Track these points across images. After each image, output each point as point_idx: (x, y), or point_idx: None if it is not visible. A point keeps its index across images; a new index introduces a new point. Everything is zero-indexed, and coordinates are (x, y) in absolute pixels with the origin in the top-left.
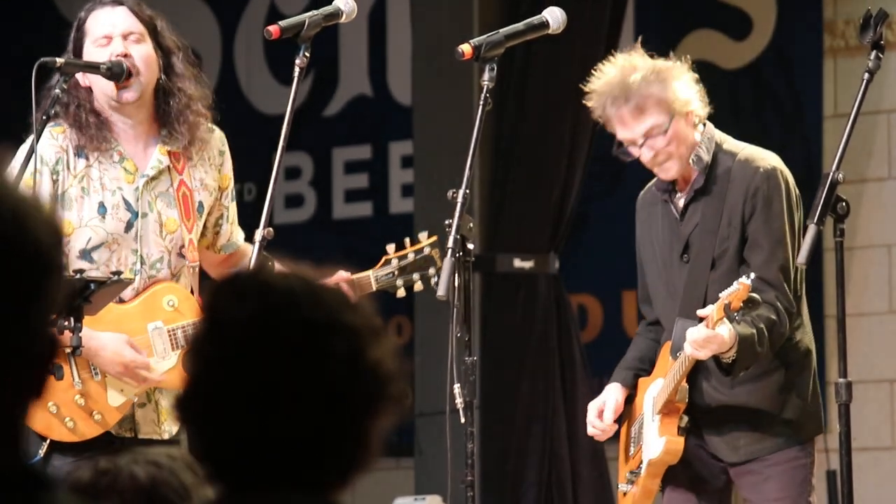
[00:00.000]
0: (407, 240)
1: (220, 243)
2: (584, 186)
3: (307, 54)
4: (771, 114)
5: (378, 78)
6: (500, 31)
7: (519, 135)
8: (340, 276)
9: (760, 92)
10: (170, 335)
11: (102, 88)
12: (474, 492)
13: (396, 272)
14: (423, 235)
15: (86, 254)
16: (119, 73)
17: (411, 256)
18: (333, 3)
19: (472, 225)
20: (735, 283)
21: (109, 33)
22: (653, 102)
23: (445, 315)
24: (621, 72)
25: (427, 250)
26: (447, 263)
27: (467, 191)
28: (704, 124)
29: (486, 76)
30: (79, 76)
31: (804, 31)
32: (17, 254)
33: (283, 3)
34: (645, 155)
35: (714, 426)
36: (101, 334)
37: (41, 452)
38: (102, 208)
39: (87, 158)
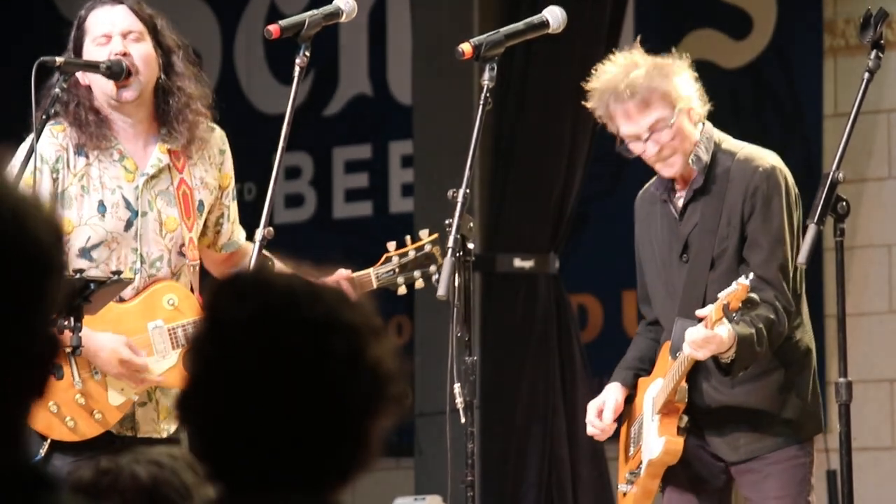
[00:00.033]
0: (408, 237)
1: (221, 242)
2: (584, 186)
3: (307, 54)
4: (771, 113)
5: (378, 77)
6: (501, 30)
7: (519, 134)
8: (341, 274)
9: (760, 91)
10: (170, 334)
11: (102, 87)
12: (474, 492)
13: (397, 269)
14: (423, 233)
15: (85, 252)
16: (118, 73)
17: (412, 254)
18: (333, 2)
19: (472, 225)
20: (734, 283)
21: (109, 32)
22: (657, 96)
23: (445, 315)
24: (624, 68)
25: (428, 247)
26: (447, 263)
27: (467, 190)
28: (703, 124)
29: (486, 76)
30: (78, 75)
31: (804, 30)
32: (17, 253)
33: (283, 2)
34: (650, 150)
35: (714, 426)
36: (98, 335)
37: (42, 452)
38: (102, 207)
39: (87, 157)
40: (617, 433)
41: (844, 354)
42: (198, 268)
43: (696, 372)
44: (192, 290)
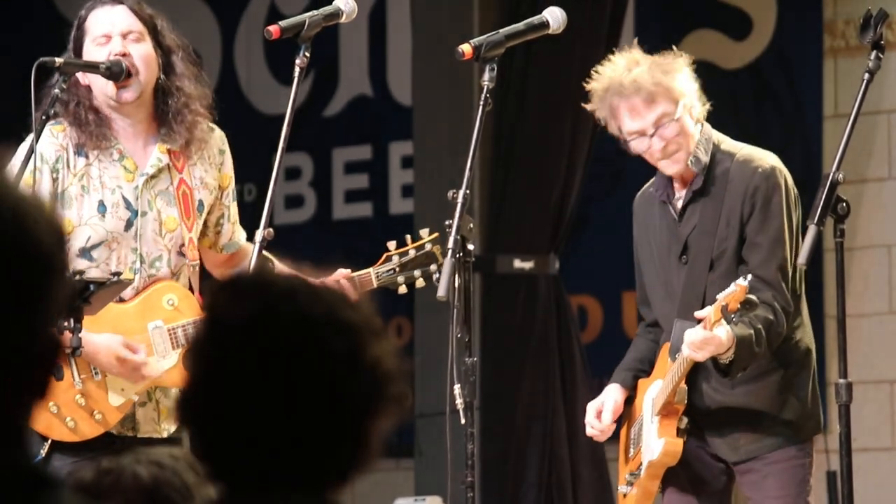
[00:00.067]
0: (408, 237)
1: (221, 243)
2: (584, 187)
3: (307, 54)
4: (771, 114)
5: (378, 78)
6: (501, 31)
7: (519, 135)
8: (341, 274)
9: (760, 92)
10: (170, 334)
11: (101, 88)
12: (474, 493)
13: (398, 269)
14: (424, 232)
15: (85, 252)
16: (118, 73)
17: (412, 253)
18: (334, 3)
19: (472, 225)
20: (732, 284)
21: (109, 32)
22: (661, 90)
23: (445, 316)
24: (625, 65)
25: (428, 246)
26: (447, 264)
27: (467, 191)
28: (702, 124)
29: (486, 76)
30: (78, 74)
31: (804, 31)
32: (17, 254)
33: (283, 3)
34: (655, 145)
35: (714, 426)
36: (95, 337)
37: (42, 453)
38: (102, 207)
39: (87, 157)
40: (617, 434)
41: (844, 355)
42: (197, 268)
43: (695, 373)
44: (191, 289)
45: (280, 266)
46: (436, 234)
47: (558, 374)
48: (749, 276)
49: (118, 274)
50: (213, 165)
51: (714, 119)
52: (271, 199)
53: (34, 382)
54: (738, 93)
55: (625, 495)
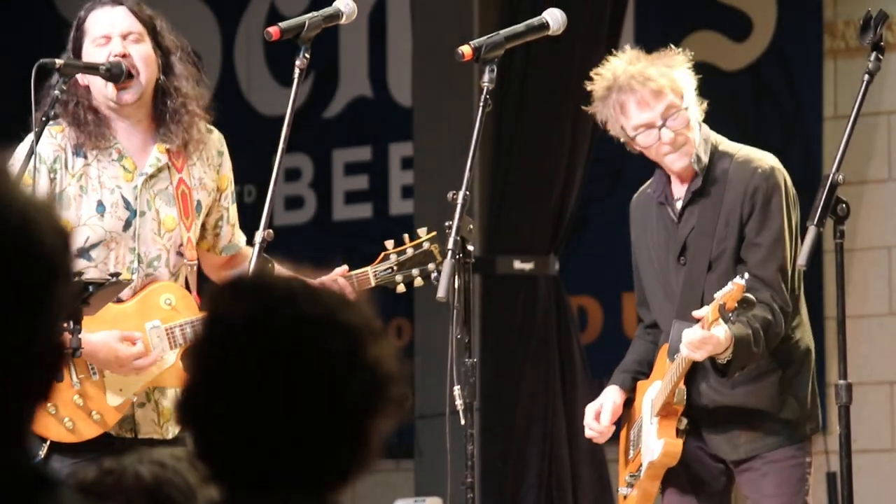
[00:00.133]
0: (406, 236)
1: (220, 245)
2: (584, 188)
3: (307, 55)
4: (771, 115)
5: (378, 79)
6: (501, 32)
7: (519, 136)
8: (339, 272)
9: (760, 93)
10: (167, 334)
11: (101, 89)
12: (474, 493)
13: (396, 268)
14: (422, 231)
15: (83, 252)
16: (118, 75)
17: (410, 252)
18: (334, 4)
19: (472, 226)
20: (729, 283)
21: (108, 33)
22: (667, 82)
23: (445, 317)
24: (628, 61)
25: (426, 245)
26: (447, 265)
27: (467, 192)
28: (700, 125)
29: (486, 77)
30: (77, 75)
31: (804, 32)
32: (24, 258)
33: (283, 4)
34: (665, 136)
35: (714, 426)
36: (92, 337)
37: (41, 454)
38: (101, 207)
39: (86, 157)
40: (616, 436)
41: (844, 356)
42: (195, 268)
43: (695, 373)
44: (189, 289)
45: (280, 269)
46: (433, 234)
47: (558, 375)
48: (746, 275)
49: (117, 275)
50: (211, 167)
51: (714, 120)
52: (271, 200)
53: (37, 385)
54: (737, 94)
55: (625, 497)
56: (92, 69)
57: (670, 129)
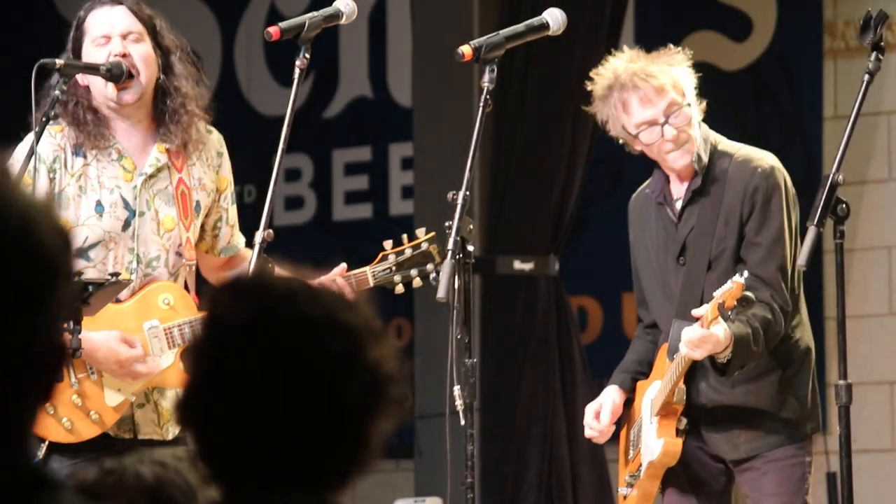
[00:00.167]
0: (405, 236)
1: (219, 246)
2: (584, 188)
3: (307, 56)
4: (771, 115)
5: (378, 79)
6: (501, 32)
7: (519, 136)
8: (337, 272)
9: (760, 93)
10: (166, 333)
11: (101, 90)
12: (474, 494)
13: (394, 268)
14: (420, 231)
15: (82, 252)
16: (119, 75)
17: (409, 252)
18: (334, 4)
19: (472, 227)
20: (729, 281)
21: (108, 33)
22: (668, 80)
23: (445, 317)
24: (629, 59)
25: (425, 246)
26: (447, 265)
27: (467, 192)
28: (700, 125)
29: (486, 78)
30: (78, 75)
31: (804, 32)
32: (24, 258)
33: (283, 4)
34: (668, 133)
35: (714, 425)
36: (93, 335)
37: (40, 454)
38: (100, 207)
39: (85, 157)
40: (616, 435)
41: (844, 356)
42: (194, 268)
43: (695, 372)
44: (188, 290)
45: (279, 270)
46: (432, 234)
47: (558, 375)
48: (745, 273)
49: (116, 274)
50: (210, 167)
51: (714, 120)
52: (271, 200)
53: (38, 385)
54: (737, 94)
55: (625, 497)
56: (92, 70)
57: (673, 127)
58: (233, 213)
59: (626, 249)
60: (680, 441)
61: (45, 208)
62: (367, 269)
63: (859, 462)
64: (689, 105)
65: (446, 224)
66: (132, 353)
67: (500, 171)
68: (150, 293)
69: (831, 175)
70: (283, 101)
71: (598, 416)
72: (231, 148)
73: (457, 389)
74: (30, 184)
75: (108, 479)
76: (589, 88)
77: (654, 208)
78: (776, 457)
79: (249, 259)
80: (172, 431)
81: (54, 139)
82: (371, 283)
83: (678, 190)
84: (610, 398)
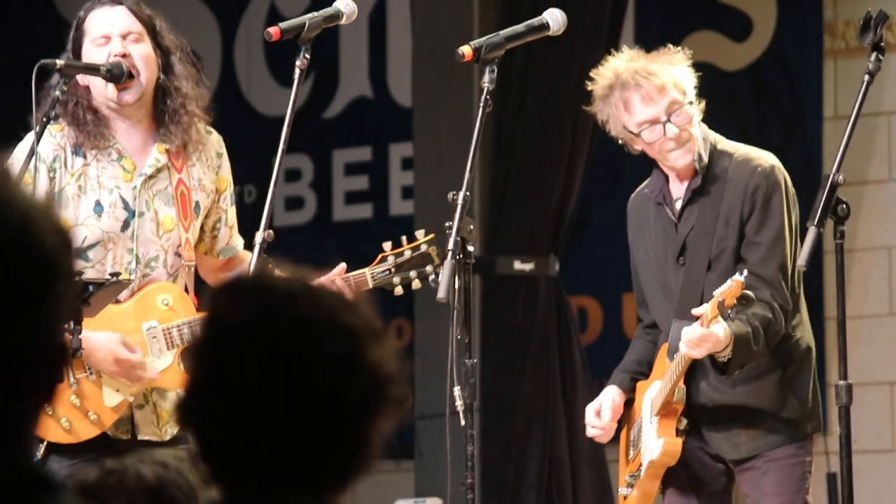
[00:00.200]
0: (404, 238)
1: (217, 248)
2: (584, 188)
3: (307, 56)
4: (771, 115)
5: (378, 79)
6: (501, 32)
7: (519, 137)
8: (336, 273)
9: (760, 93)
10: (165, 334)
11: (101, 90)
12: (474, 494)
13: (393, 269)
14: (420, 233)
15: (81, 252)
16: (119, 75)
17: (408, 254)
18: (334, 4)
19: (472, 227)
20: (728, 280)
21: (108, 33)
22: (669, 78)
23: (445, 317)
24: (628, 59)
25: (424, 247)
26: (447, 265)
27: (468, 193)
28: (699, 125)
29: (486, 78)
30: (78, 75)
31: (804, 32)
32: (24, 258)
33: (283, 4)
34: (670, 131)
35: (715, 425)
36: (93, 334)
37: (38, 455)
38: (99, 207)
39: (85, 156)
40: (617, 436)
41: (844, 357)
42: (193, 269)
43: (695, 372)
44: (187, 290)
45: (279, 270)
46: (431, 235)
47: (558, 376)
48: (745, 272)
49: (117, 275)
50: (210, 168)
51: (714, 120)
52: (271, 200)
53: (40, 386)
54: (737, 94)
55: (625, 497)
56: (93, 70)
57: (675, 125)
58: (232, 214)
59: (627, 250)
60: (680, 441)
61: (45, 208)
62: (366, 270)
63: (859, 463)
64: (690, 104)
65: (446, 224)
66: (131, 357)
67: (501, 171)
68: (149, 294)
69: (831, 175)
70: (283, 101)
71: (599, 414)
72: (231, 148)
73: (457, 390)
74: (30, 184)
75: (110, 479)
76: (589, 88)
77: (653, 208)
78: (777, 456)
79: (248, 261)
80: (171, 432)
81: (54, 138)
82: (370, 285)
83: (677, 190)
84: (609, 397)
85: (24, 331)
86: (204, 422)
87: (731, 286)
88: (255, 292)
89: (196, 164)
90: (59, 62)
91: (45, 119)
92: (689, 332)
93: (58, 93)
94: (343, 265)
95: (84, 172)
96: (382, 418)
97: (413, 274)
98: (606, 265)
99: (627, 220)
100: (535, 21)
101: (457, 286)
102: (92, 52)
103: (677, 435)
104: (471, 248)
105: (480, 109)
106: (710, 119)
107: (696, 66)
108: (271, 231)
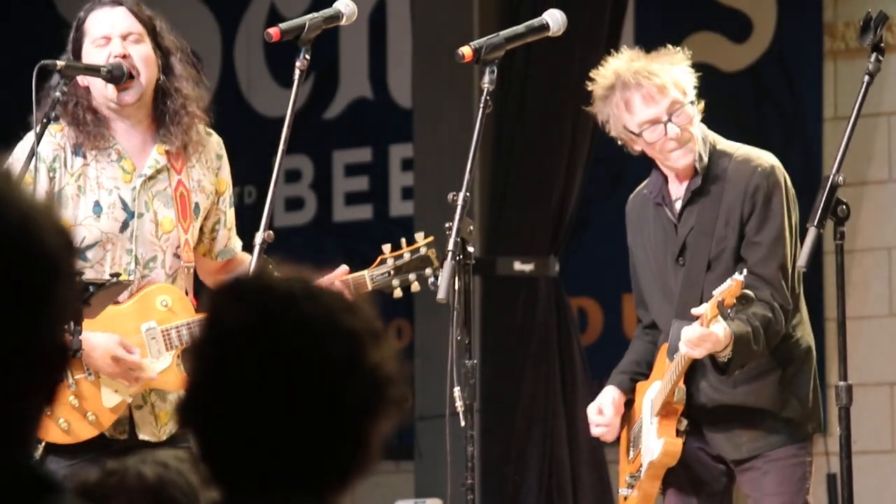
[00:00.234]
0: (403, 240)
1: (216, 249)
2: (584, 189)
3: (307, 57)
4: (771, 116)
5: (378, 80)
6: (501, 33)
7: (519, 137)
8: (335, 275)
9: (760, 94)
10: (164, 335)
11: (101, 90)
12: (474, 495)
13: (392, 272)
14: (419, 236)
15: (80, 253)
16: (119, 76)
17: (407, 256)
18: (334, 5)
19: (472, 228)
20: (728, 279)
21: (108, 34)
22: (670, 79)
23: (445, 318)
24: (629, 59)
25: (423, 250)
26: (447, 266)
27: (468, 194)
28: (698, 125)
29: (486, 79)
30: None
31: (804, 33)
32: (24, 258)
33: (283, 5)
34: (671, 131)
35: (715, 425)
36: (92, 335)
37: (37, 455)
38: (98, 207)
39: (85, 157)
40: (617, 436)
41: (844, 358)
42: (192, 270)
43: (695, 372)
44: (186, 292)
45: (279, 271)
46: (431, 238)
47: (558, 377)
48: (745, 271)
49: (117, 275)
50: (210, 170)
51: (714, 120)
52: (271, 201)
53: (41, 386)
54: (738, 95)
55: (625, 497)
56: (93, 71)
57: (676, 125)
58: (231, 216)
59: (626, 250)
60: (680, 441)
61: (46, 208)
62: (365, 272)
63: (859, 463)
64: (690, 104)
65: (446, 225)
66: (130, 358)
67: (501, 172)
68: (149, 295)
69: (831, 176)
70: (283, 102)
71: (601, 413)
72: (231, 149)
73: (457, 391)
74: (30, 183)
75: (110, 479)
76: (589, 89)
77: (652, 209)
78: (777, 456)
79: (246, 262)
80: (168, 432)
81: (54, 138)
82: (369, 287)
83: (677, 190)
84: (609, 395)
85: (24, 331)
86: (204, 422)
87: (731, 285)
88: (256, 293)
89: (196, 166)
90: (60, 63)
91: (45, 119)
92: (689, 332)
93: (58, 93)
94: (345, 267)
95: (83, 173)
96: (382, 419)
97: (412, 277)
98: (606, 265)
99: (626, 220)
100: (535, 22)
101: (457, 287)
102: (92, 53)
103: (677, 435)
104: (471, 249)
105: (480, 110)
106: (710, 119)
107: (696, 66)
108: (271, 232)
